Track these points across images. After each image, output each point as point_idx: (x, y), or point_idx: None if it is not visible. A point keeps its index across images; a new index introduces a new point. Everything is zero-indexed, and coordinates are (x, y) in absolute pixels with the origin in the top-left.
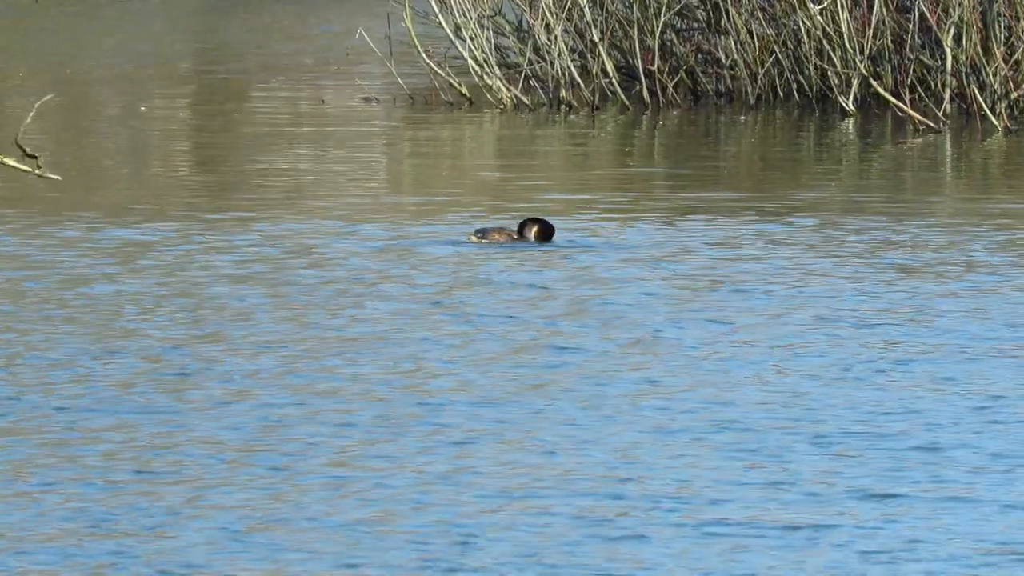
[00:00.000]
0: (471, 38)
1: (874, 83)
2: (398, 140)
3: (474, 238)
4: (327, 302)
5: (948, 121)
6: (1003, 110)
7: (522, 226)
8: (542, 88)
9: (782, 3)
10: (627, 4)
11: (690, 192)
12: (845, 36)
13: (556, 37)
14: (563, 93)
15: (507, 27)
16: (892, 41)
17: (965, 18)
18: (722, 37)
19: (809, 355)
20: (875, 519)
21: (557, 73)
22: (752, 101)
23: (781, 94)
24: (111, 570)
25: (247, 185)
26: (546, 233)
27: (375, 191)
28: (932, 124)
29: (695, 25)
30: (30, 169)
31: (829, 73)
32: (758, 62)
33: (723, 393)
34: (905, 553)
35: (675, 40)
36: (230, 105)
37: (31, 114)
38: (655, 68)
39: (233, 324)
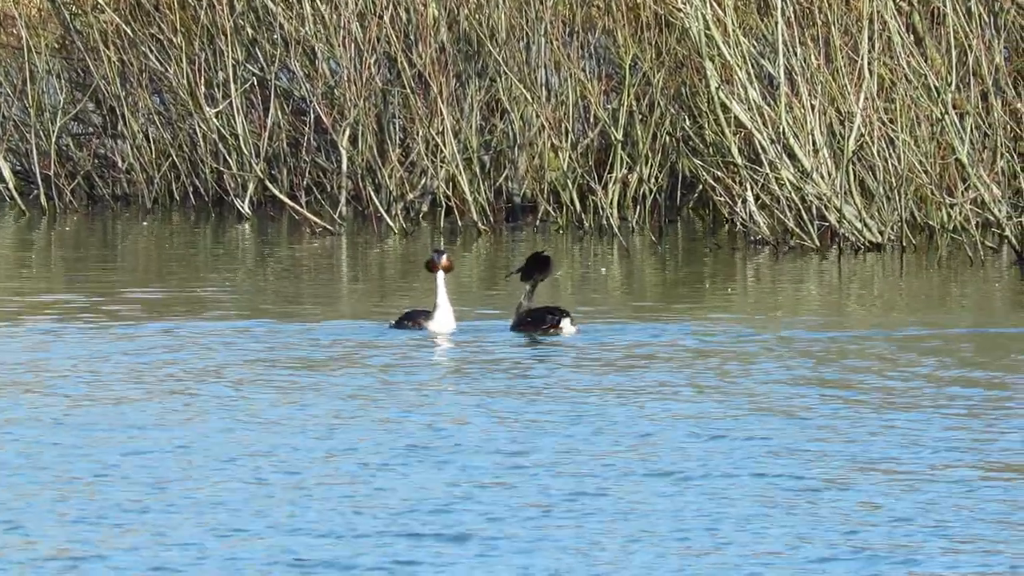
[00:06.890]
0: None
1: (271, 185)
2: None
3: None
4: None
5: (344, 223)
6: (399, 212)
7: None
8: None
9: (178, 107)
10: (23, 108)
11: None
12: (241, 139)
13: None
14: None
15: None
16: (288, 144)
17: (361, 120)
18: (119, 141)
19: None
20: None
21: None
22: (149, 205)
23: (178, 197)
24: None
25: None
26: None
27: None
28: (328, 226)
29: (91, 130)
30: None
31: (225, 176)
32: (154, 166)
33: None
34: None
35: (72, 145)
36: None
37: None
38: (52, 173)
39: None
